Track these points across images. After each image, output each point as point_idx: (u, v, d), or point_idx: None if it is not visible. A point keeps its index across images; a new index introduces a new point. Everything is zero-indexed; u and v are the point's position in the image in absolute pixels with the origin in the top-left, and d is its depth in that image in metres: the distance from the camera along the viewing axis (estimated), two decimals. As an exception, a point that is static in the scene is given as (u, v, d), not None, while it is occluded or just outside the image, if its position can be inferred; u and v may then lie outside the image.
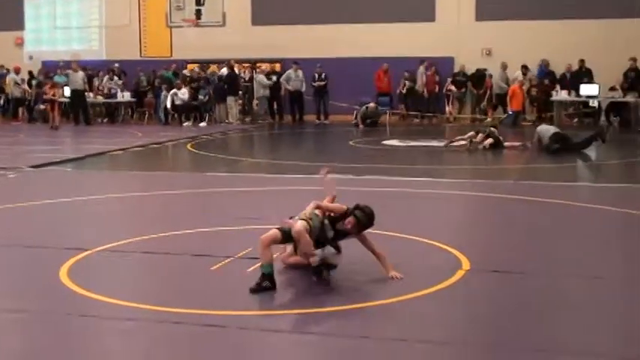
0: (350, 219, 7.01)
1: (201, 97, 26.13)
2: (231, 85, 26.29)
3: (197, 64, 28.80)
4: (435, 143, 20.32)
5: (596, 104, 25.52)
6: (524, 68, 26.36)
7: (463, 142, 18.31)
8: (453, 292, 6.75)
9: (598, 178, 14.77)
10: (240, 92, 27.24)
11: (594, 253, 8.23)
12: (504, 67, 26.48)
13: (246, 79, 27.50)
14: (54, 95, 24.89)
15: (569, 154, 17.31)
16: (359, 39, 27.78)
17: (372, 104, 25.57)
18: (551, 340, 5.60)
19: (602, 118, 25.37)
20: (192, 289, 6.90)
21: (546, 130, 18.11)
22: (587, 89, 25.19)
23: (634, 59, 25.27)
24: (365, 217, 7.03)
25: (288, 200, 11.64)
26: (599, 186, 13.36)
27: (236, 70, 26.83)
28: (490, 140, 18.17)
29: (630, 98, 24.71)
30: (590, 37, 25.92)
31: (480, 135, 18.35)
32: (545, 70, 26.46)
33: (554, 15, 26.39)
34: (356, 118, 25.74)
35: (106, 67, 29.41)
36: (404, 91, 27.69)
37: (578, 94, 25.41)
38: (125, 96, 27.60)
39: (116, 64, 29.28)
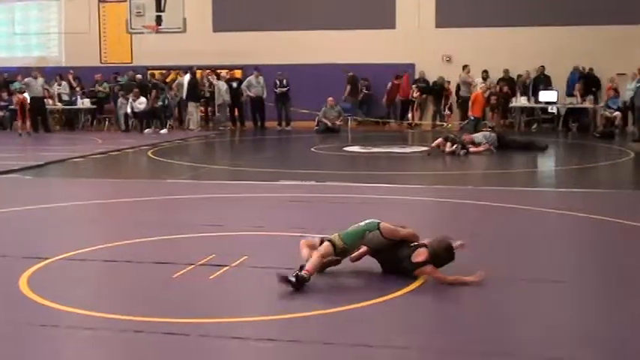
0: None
1: (160, 102, 25.96)
2: (192, 91, 26.16)
3: (158, 71, 28.69)
4: (396, 149, 20.41)
5: (555, 110, 25.78)
6: (484, 73, 26.53)
7: (448, 150, 18.36)
8: (415, 298, 6.77)
9: (556, 183, 14.90)
10: (202, 99, 27.14)
11: (554, 258, 8.30)
12: (468, 72, 26.66)
13: (208, 85, 27.38)
14: (23, 101, 24.68)
15: (529, 160, 17.50)
16: (320, 45, 27.83)
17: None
18: (511, 344, 5.65)
19: (561, 124, 25.66)
20: (154, 297, 6.84)
21: (483, 135, 19.24)
22: (546, 95, 25.47)
23: (584, 67, 25.61)
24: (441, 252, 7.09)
25: (250, 207, 11.65)
26: (558, 191, 13.48)
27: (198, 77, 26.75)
28: (457, 147, 18.35)
29: (588, 104, 25.02)
30: (549, 44, 26.18)
31: (449, 144, 18.49)
32: (577, 76, 26.21)
33: (514, 22, 26.64)
34: (318, 124, 25.77)
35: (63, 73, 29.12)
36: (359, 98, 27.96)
37: (537, 101, 25.68)
38: (85, 103, 27.37)
39: (71, 70, 29.00)
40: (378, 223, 7.39)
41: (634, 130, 21.90)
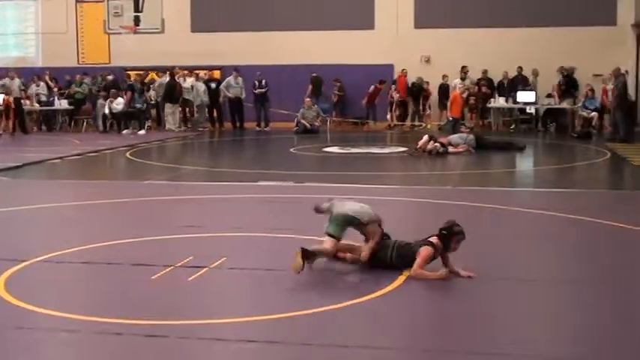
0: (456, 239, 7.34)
1: (138, 105, 25.83)
2: (170, 92, 26.06)
3: (135, 72, 28.59)
4: (375, 150, 20.45)
5: (532, 111, 25.91)
6: (463, 73, 26.61)
7: (430, 147, 18.44)
8: (394, 298, 6.81)
9: (534, 183, 14.99)
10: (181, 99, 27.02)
11: (530, 257, 8.36)
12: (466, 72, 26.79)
13: (186, 86, 27.23)
14: (8, 102, 24.61)
15: (508, 160, 17.60)
16: (299, 46, 27.83)
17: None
18: (488, 342, 5.69)
19: (539, 124, 25.81)
20: (133, 298, 6.83)
21: (459, 136, 19.55)
22: (524, 96, 25.60)
23: (562, 66, 25.74)
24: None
25: (228, 208, 11.64)
26: (536, 191, 13.57)
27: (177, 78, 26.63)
28: (438, 145, 18.44)
29: (566, 105, 25.16)
30: (527, 45, 26.31)
31: (432, 142, 18.57)
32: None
33: (492, 23, 26.74)
34: (297, 125, 25.77)
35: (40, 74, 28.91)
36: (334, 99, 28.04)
37: (515, 101, 25.80)
38: (62, 104, 27.22)
39: (47, 71, 28.80)
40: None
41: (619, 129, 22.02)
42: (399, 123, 27.42)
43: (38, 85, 27.61)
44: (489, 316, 6.40)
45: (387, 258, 7.48)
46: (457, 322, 6.25)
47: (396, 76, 27.65)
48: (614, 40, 26.02)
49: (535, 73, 26.30)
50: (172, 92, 26.02)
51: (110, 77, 27.63)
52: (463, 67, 26.48)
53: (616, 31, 26.24)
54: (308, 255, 7.27)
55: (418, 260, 7.26)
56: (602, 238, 9.52)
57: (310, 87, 27.74)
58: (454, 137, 19.40)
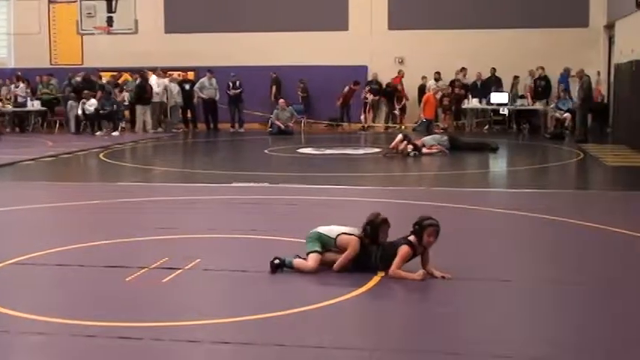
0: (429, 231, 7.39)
1: (108, 107, 25.58)
2: (140, 94, 25.92)
3: (110, 73, 28.46)
4: (349, 151, 20.49)
5: (506, 112, 26.06)
6: (437, 75, 26.71)
7: (402, 148, 18.53)
8: (368, 299, 6.83)
9: (507, 184, 15.08)
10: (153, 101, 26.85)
11: (503, 257, 8.42)
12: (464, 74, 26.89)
13: (160, 87, 27.05)
14: None
15: (481, 161, 17.70)
16: (273, 47, 27.79)
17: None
18: (462, 343, 5.72)
19: (513, 124, 25.96)
20: (107, 301, 6.80)
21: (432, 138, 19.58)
22: (497, 97, 25.74)
23: (542, 68, 25.90)
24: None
25: (202, 209, 11.63)
26: (509, 191, 13.65)
27: (153, 80, 26.50)
28: (411, 146, 18.51)
29: (539, 106, 25.33)
30: (499, 47, 26.44)
31: (405, 143, 18.64)
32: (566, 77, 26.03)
33: (466, 25, 26.82)
34: (271, 126, 25.76)
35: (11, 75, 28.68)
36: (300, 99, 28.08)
37: (489, 102, 25.93)
38: (35, 104, 27.01)
39: (18, 72, 28.56)
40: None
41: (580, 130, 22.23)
42: (373, 124, 27.48)
43: (17, 87, 27.41)
44: (463, 316, 6.44)
45: (372, 260, 7.49)
46: (431, 322, 6.29)
47: (393, 78, 27.57)
48: (586, 42, 26.22)
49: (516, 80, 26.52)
50: (142, 94, 25.88)
51: (78, 78, 27.44)
52: (436, 73, 26.61)
53: (588, 33, 26.43)
54: (283, 265, 7.57)
55: (396, 260, 7.30)
56: (575, 237, 9.60)
57: (274, 88, 27.75)
58: (427, 139, 19.47)
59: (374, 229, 7.46)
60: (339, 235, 7.61)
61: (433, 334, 5.97)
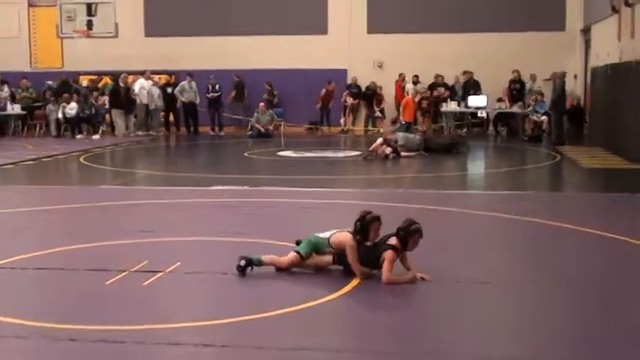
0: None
1: (87, 111, 25.47)
2: (114, 98, 25.84)
3: (90, 76, 28.37)
4: (329, 154, 20.52)
5: (484, 114, 26.16)
6: (415, 77, 26.76)
7: (380, 151, 18.63)
8: (347, 301, 6.87)
9: (485, 186, 15.15)
10: (137, 104, 26.75)
11: (481, 259, 8.47)
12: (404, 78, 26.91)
13: (145, 90, 26.94)
14: None
15: (459, 163, 17.78)
16: (253, 51, 27.77)
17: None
18: (441, 343, 5.77)
19: (491, 127, 26.08)
20: (87, 304, 6.81)
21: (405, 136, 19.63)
22: (475, 100, 25.84)
23: (517, 71, 26.01)
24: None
25: (183, 213, 11.62)
26: (487, 193, 13.72)
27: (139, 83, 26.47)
28: (390, 149, 18.59)
29: (516, 109, 25.45)
30: (477, 50, 26.56)
31: (384, 146, 18.73)
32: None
33: (443, 29, 26.92)
34: (251, 130, 25.76)
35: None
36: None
37: (467, 105, 26.03)
38: (15, 108, 26.84)
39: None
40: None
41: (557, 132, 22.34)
42: (353, 127, 27.53)
43: (2, 90, 27.22)
44: (442, 317, 6.49)
45: (362, 259, 7.51)
46: (412, 323, 6.34)
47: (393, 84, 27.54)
48: (563, 45, 26.39)
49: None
50: (117, 98, 25.79)
51: (50, 82, 27.34)
52: (414, 76, 26.65)
53: (565, 36, 26.60)
54: (251, 264, 7.63)
55: (387, 266, 7.27)
56: (551, 239, 9.68)
57: (234, 92, 27.72)
58: (400, 135, 19.54)
59: (364, 226, 7.44)
60: (332, 234, 7.64)
61: (414, 336, 6.00)
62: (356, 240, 7.44)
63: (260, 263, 7.63)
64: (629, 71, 18.35)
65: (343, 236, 7.53)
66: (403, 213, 10.29)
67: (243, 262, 7.57)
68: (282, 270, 7.68)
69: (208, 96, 27.01)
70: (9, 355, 5.67)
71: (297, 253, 7.67)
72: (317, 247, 7.69)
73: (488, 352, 5.59)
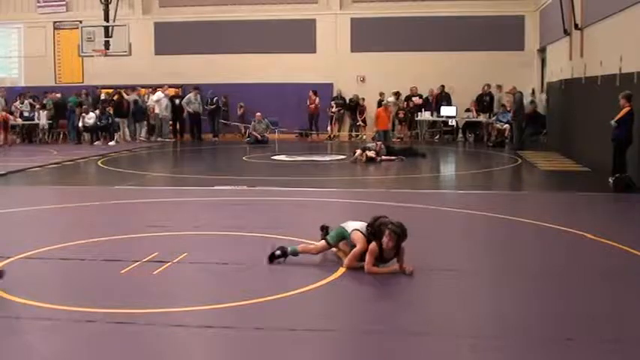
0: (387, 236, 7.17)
1: (104, 121, 25.38)
2: (118, 108, 25.97)
3: (107, 90, 28.36)
4: (317, 158, 20.50)
5: (454, 123, 26.20)
6: (396, 94, 26.76)
7: (369, 155, 18.66)
8: (335, 287, 6.85)
9: (455, 186, 15.15)
10: (147, 113, 26.75)
11: (451, 249, 8.47)
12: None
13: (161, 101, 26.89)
14: (6, 118, 24.41)
15: (434, 166, 17.79)
16: (251, 67, 27.85)
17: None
18: (416, 323, 5.76)
19: (460, 134, 26.11)
20: (104, 290, 6.78)
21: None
22: (446, 110, 25.90)
23: (488, 85, 26.06)
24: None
25: (189, 210, 11.59)
26: (456, 192, 13.72)
27: (136, 96, 26.58)
28: (373, 153, 18.66)
29: (482, 118, 25.52)
30: (448, 67, 26.64)
31: (366, 151, 18.79)
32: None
33: (419, 48, 27.02)
34: (248, 136, 25.73)
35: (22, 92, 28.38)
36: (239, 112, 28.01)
37: (439, 115, 26.08)
38: (42, 118, 26.73)
39: (29, 90, 28.31)
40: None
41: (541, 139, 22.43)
42: (339, 134, 27.54)
43: (22, 103, 27.13)
44: (423, 301, 6.50)
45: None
46: (395, 307, 6.35)
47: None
48: (522, 63, 26.50)
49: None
50: (120, 108, 26.01)
51: (58, 95, 27.34)
52: (395, 93, 26.64)
53: (524, 55, 26.71)
54: (286, 254, 7.57)
55: (368, 258, 7.22)
56: (512, 232, 9.69)
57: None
58: (370, 144, 19.75)
59: (374, 232, 7.31)
60: (353, 230, 7.55)
61: (397, 317, 5.99)
62: (377, 244, 7.23)
63: (296, 253, 7.60)
64: (580, 86, 18.47)
65: (359, 238, 7.37)
66: (384, 210, 10.30)
67: (278, 252, 7.54)
68: (312, 254, 7.69)
69: (207, 107, 27.11)
70: (36, 334, 5.64)
71: (326, 241, 7.67)
72: (343, 237, 7.62)
73: (460, 332, 5.59)
